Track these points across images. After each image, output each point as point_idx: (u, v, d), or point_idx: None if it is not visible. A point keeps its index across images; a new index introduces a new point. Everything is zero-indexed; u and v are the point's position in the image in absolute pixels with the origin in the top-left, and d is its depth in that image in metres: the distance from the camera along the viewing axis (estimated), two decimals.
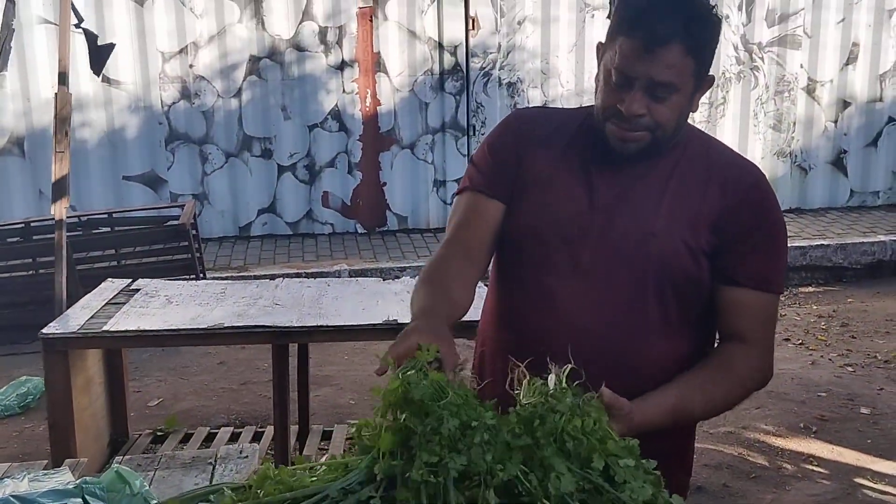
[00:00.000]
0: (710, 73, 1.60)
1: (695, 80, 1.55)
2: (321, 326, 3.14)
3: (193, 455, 2.00)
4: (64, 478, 1.83)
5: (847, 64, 7.76)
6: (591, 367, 1.47)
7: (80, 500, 1.65)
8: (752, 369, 1.63)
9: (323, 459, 1.28)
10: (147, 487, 1.74)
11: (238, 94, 7.06)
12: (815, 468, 3.78)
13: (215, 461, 1.93)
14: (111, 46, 4.58)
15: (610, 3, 4.61)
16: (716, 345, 1.70)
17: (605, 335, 1.58)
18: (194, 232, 5.62)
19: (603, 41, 1.61)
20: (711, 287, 1.62)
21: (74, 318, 3.23)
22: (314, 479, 1.13)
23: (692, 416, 1.62)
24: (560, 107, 1.82)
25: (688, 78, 1.53)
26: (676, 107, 1.55)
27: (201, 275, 5.52)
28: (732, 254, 1.60)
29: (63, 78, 3.91)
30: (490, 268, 1.78)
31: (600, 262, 1.59)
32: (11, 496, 1.67)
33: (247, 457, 1.94)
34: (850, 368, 4.87)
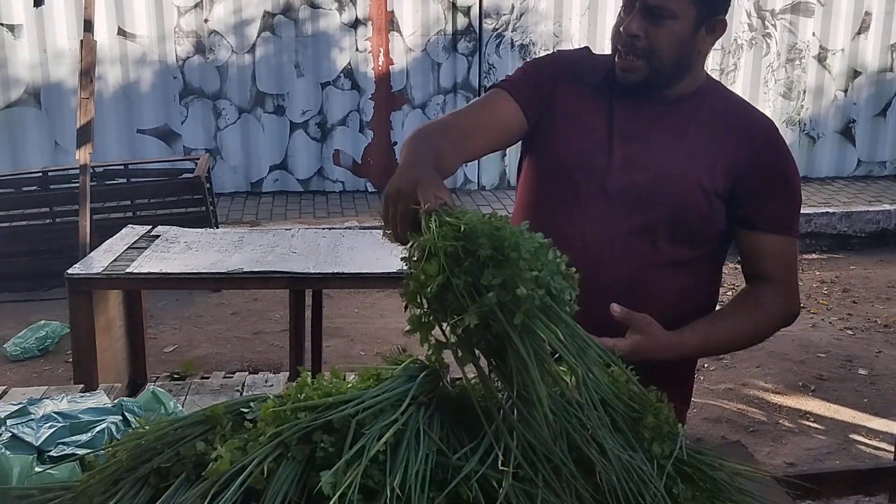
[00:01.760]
0: (724, 20, 1.67)
1: (696, 10, 1.61)
2: (338, 273, 3.23)
3: (221, 383, 2.11)
4: (101, 399, 1.94)
5: (859, 33, 7.77)
6: (604, 295, 1.57)
7: (119, 416, 1.75)
8: (780, 305, 1.76)
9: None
10: (181, 408, 1.85)
11: (252, 50, 7.11)
12: (811, 424, 3.89)
13: (242, 388, 2.04)
14: None
15: None
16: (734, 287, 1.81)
17: (618, 266, 1.67)
18: (208, 185, 5.71)
19: None
20: (730, 230, 1.74)
21: (98, 261, 3.32)
22: (350, 386, 1.24)
23: (724, 345, 1.78)
24: (598, 53, 1.89)
25: (685, 6, 1.59)
26: (675, 35, 1.61)
27: (215, 227, 5.62)
28: (753, 201, 1.70)
29: (88, 25, 3.96)
30: (516, 197, 1.87)
31: (618, 196, 1.68)
32: (54, 412, 1.78)
33: (272, 385, 2.05)
34: (849, 331, 4.97)
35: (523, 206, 1.81)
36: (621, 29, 1.63)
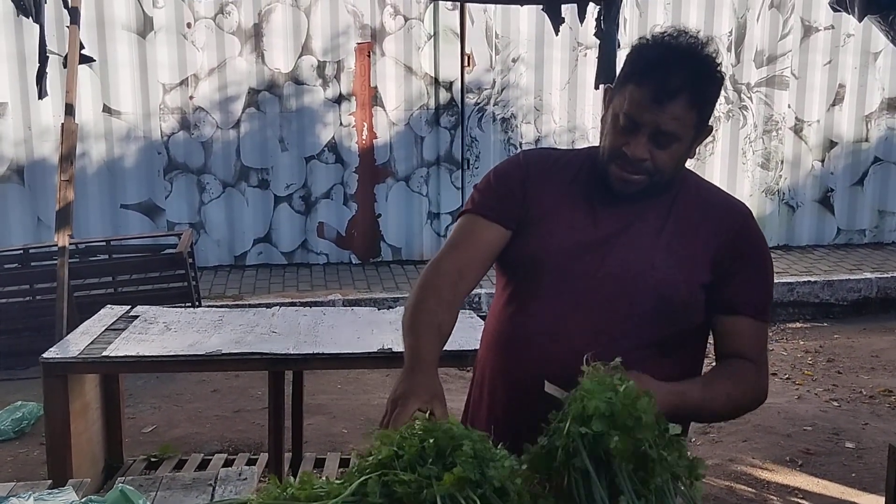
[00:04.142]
0: (711, 125, 1.72)
1: (695, 130, 1.67)
2: (317, 354, 3.20)
3: (193, 477, 2.06)
4: (68, 497, 1.89)
5: (833, 105, 7.94)
6: None
7: None
8: (755, 383, 1.74)
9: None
10: None
11: (237, 125, 7.18)
12: (800, 501, 3.83)
13: (215, 483, 1.99)
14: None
15: (599, 46, 4.75)
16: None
17: (604, 358, 1.65)
18: (191, 260, 5.69)
19: (611, 86, 1.72)
20: (708, 315, 1.73)
21: (74, 344, 3.28)
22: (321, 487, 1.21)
23: (707, 413, 1.74)
24: (564, 148, 1.92)
25: (690, 129, 1.65)
26: (676, 154, 1.67)
27: (197, 303, 5.58)
28: (731, 286, 1.71)
29: (70, 109, 4.00)
30: (494, 293, 1.87)
31: (600, 291, 1.68)
32: None
33: (246, 479, 2.00)
34: (835, 403, 4.94)
35: (505, 300, 1.80)
36: (626, 151, 1.64)
